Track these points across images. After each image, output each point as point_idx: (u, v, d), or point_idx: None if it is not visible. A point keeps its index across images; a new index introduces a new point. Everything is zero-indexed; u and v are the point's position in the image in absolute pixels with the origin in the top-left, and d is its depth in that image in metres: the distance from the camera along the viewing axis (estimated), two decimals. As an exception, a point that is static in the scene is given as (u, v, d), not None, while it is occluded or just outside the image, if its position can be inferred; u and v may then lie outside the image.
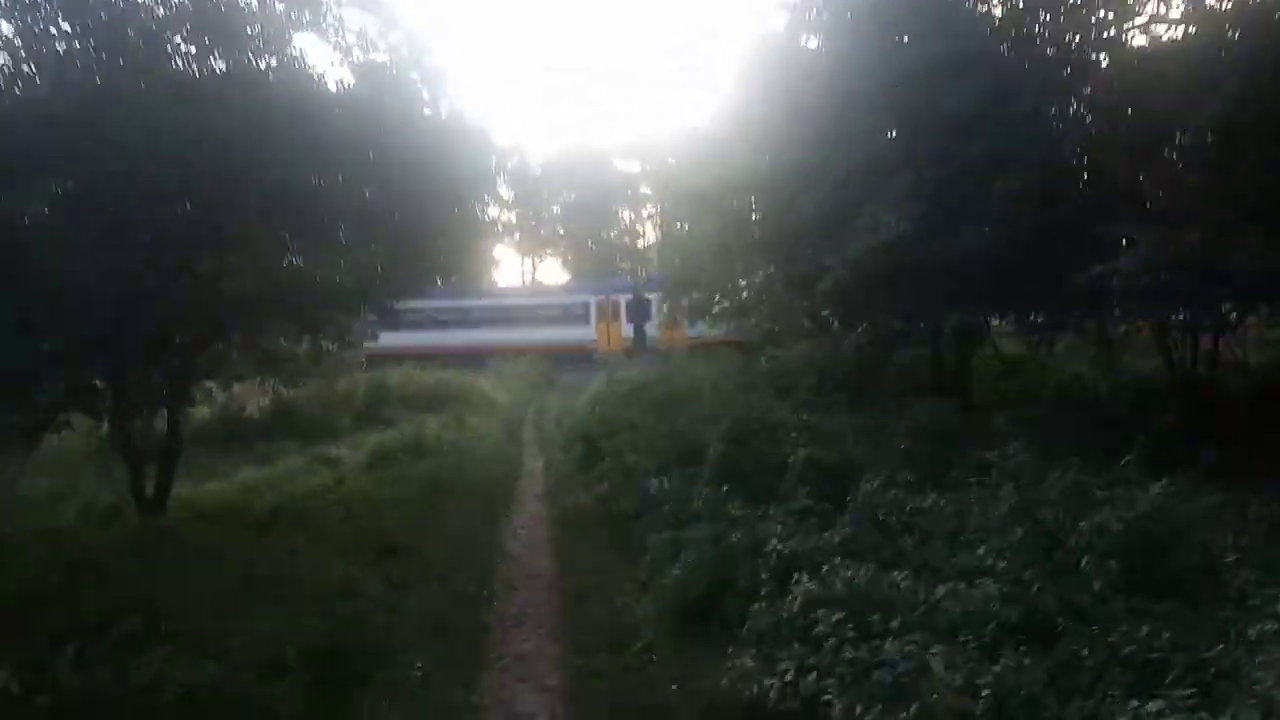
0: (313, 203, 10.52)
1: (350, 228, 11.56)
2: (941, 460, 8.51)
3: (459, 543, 8.98)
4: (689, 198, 17.38)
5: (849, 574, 4.78)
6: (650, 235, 67.11)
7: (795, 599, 4.59)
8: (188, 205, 9.96)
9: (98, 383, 10.68)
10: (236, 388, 19.64)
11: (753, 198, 14.19)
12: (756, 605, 4.98)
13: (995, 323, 12.83)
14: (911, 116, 12.38)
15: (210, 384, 12.94)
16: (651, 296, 37.88)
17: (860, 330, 9.66)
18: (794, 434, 8.98)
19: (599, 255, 65.45)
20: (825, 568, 4.95)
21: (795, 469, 8.21)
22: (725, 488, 8.19)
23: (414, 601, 7.04)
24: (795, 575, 4.99)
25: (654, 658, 5.52)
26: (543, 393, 29.11)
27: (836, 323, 10.18)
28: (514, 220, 66.32)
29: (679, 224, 55.53)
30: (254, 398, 20.32)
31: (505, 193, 61.18)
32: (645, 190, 66.59)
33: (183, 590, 6.79)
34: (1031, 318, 12.26)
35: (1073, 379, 13.93)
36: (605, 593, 7.15)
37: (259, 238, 11.15)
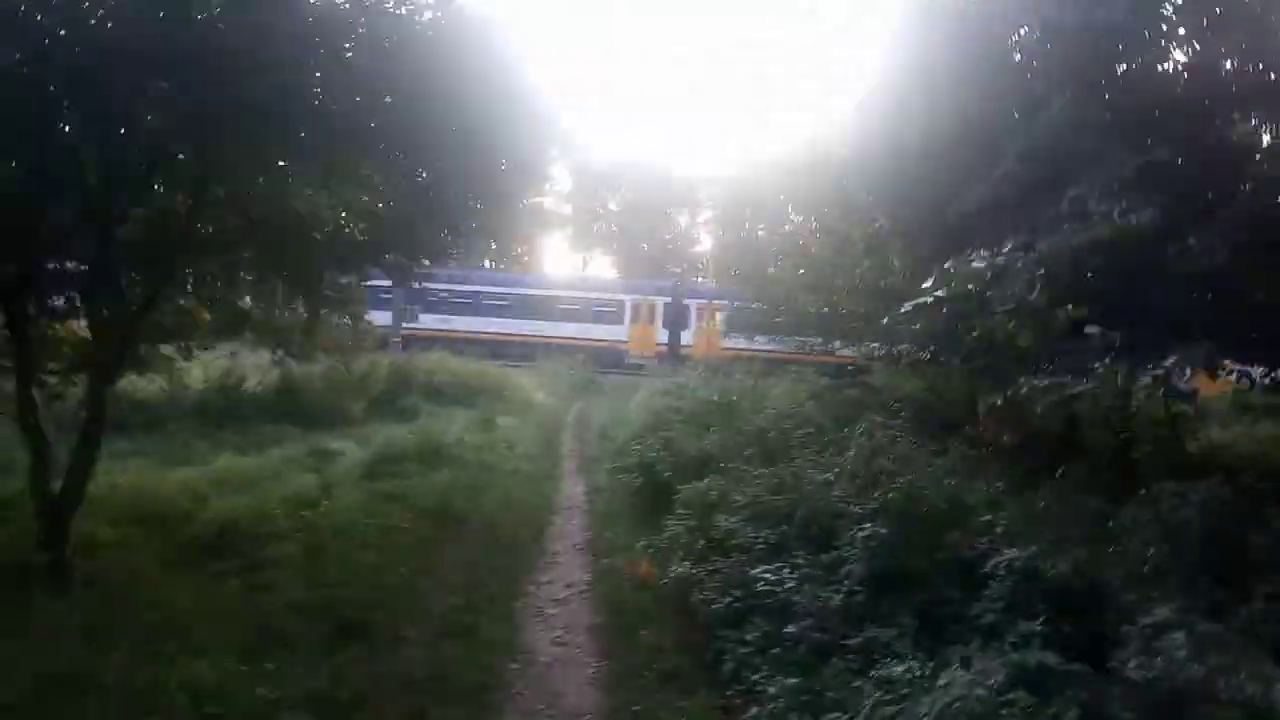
0: (318, 116, 7.53)
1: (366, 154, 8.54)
2: (1237, 585, 5.25)
3: (456, 630, 5.87)
4: (789, 181, 14.20)
5: None
6: (705, 242, 64.88)
7: None
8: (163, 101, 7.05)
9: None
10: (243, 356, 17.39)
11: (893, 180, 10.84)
12: None
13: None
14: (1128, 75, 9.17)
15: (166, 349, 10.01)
16: (690, 303, 35.03)
17: (1126, 369, 6.11)
18: (986, 518, 5.70)
19: (651, 257, 63.45)
20: None
21: (1003, 584, 5.00)
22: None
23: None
24: None
25: None
26: (586, 394, 26.08)
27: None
28: (570, 213, 64.41)
29: (745, 225, 52.70)
30: (257, 370, 17.77)
31: (564, 182, 59.10)
32: (704, 195, 64.24)
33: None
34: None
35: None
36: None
37: (244, 159, 8.17)
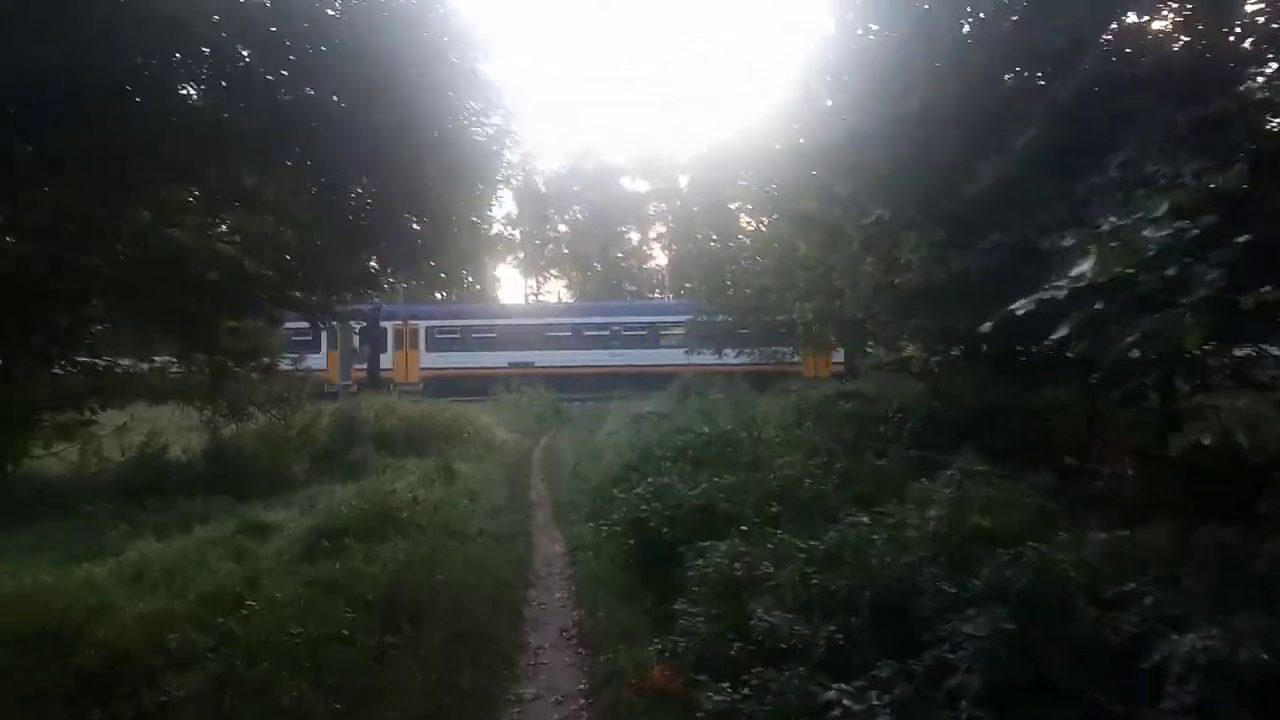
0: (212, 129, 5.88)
1: (282, 180, 6.86)
2: None
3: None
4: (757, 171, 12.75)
5: None
6: (660, 257, 63.93)
7: None
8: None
9: None
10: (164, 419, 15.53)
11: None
12: None
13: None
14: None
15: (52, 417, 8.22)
16: (387, 325, 33.86)
17: None
18: (1129, 586, 4.17)
19: (604, 276, 62.50)
20: None
21: (1185, 687, 3.49)
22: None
23: None
24: None
25: None
26: (551, 427, 24.49)
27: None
28: (518, 238, 63.23)
29: (699, 237, 51.54)
30: (181, 434, 15.81)
31: (509, 205, 57.89)
32: (654, 209, 63.28)
33: None
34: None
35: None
36: None
37: (92, 179, 6.46)
